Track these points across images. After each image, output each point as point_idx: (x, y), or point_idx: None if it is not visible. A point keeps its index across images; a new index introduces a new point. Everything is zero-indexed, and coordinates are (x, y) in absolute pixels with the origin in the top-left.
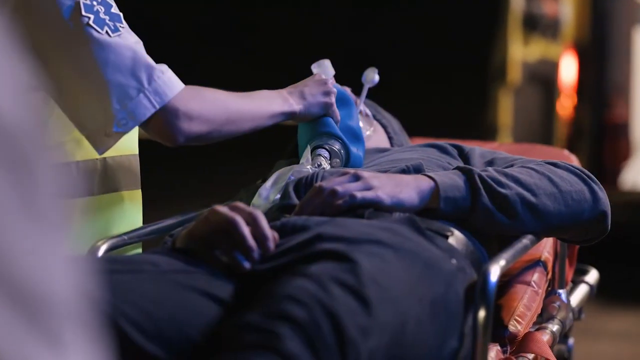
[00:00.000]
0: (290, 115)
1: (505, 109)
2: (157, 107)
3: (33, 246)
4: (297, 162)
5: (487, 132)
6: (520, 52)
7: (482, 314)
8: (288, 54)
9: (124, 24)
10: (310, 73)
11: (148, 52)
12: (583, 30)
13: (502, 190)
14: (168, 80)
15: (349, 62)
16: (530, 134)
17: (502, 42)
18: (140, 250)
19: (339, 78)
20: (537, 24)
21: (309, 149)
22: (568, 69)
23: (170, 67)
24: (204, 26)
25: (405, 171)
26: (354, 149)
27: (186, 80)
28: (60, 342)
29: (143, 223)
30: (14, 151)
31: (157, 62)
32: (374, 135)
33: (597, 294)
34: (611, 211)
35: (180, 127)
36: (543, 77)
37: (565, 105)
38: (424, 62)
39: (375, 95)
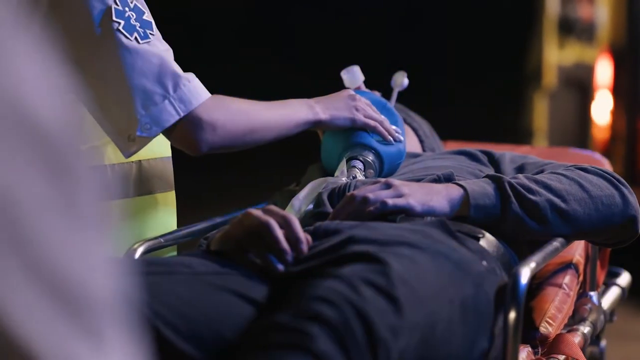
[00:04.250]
0: (316, 123)
1: (541, 113)
2: (182, 114)
3: (75, 247)
4: (324, 168)
5: (522, 136)
6: (556, 55)
7: (512, 315)
8: (321, 56)
9: (155, 31)
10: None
11: (186, 53)
12: (618, 33)
13: (532, 197)
14: (194, 89)
15: (384, 66)
16: (565, 137)
17: (537, 46)
18: (175, 253)
19: (371, 82)
20: (572, 28)
21: (344, 161)
22: (603, 73)
23: (209, 68)
24: (245, 29)
25: (436, 181)
26: (391, 148)
27: (223, 82)
28: (100, 340)
29: (177, 225)
30: (56, 154)
31: (195, 61)
32: (405, 138)
33: (635, 296)
34: None
35: (203, 137)
36: (578, 81)
37: (601, 108)
38: (460, 65)
39: (410, 98)
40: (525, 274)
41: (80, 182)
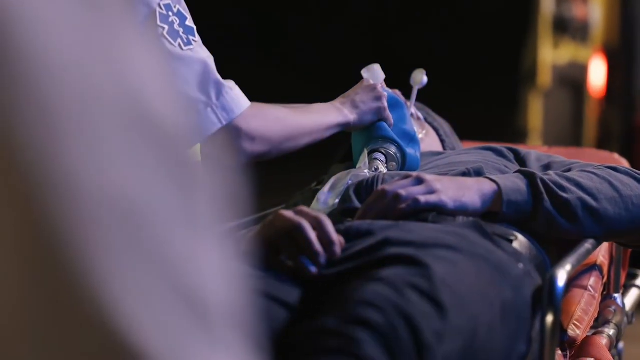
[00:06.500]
0: (345, 125)
1: (535, 112)
2: (224, 123)
3: (200, 254)
4: (352, 166)
5: (517, 135)
6: (551, 55)
7: (549, 318)
8: (316, 57)
9: (197, 37)
10: (360, 77)
11: None
12: (612, 33)
13: (564, 195)
14: (236, 97)
15: (380, 65)
16: (559, 137)
17: (532, 46)
18: None
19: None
20: (567, 28)
21: (365, 153)
22: (597, 72)
23: None
24: (247, 31)
25: (466, 174)
26: (410, 151)
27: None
28: (220, 343)
29: None
30: (176, 157)
31: None
32: (426, 138)
33: None
34: None
35: (242, 146)
36: (573, 80)
37: (595, 108)
38: (455, 65)
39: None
40: (562, 276)
41: (197, 185)
